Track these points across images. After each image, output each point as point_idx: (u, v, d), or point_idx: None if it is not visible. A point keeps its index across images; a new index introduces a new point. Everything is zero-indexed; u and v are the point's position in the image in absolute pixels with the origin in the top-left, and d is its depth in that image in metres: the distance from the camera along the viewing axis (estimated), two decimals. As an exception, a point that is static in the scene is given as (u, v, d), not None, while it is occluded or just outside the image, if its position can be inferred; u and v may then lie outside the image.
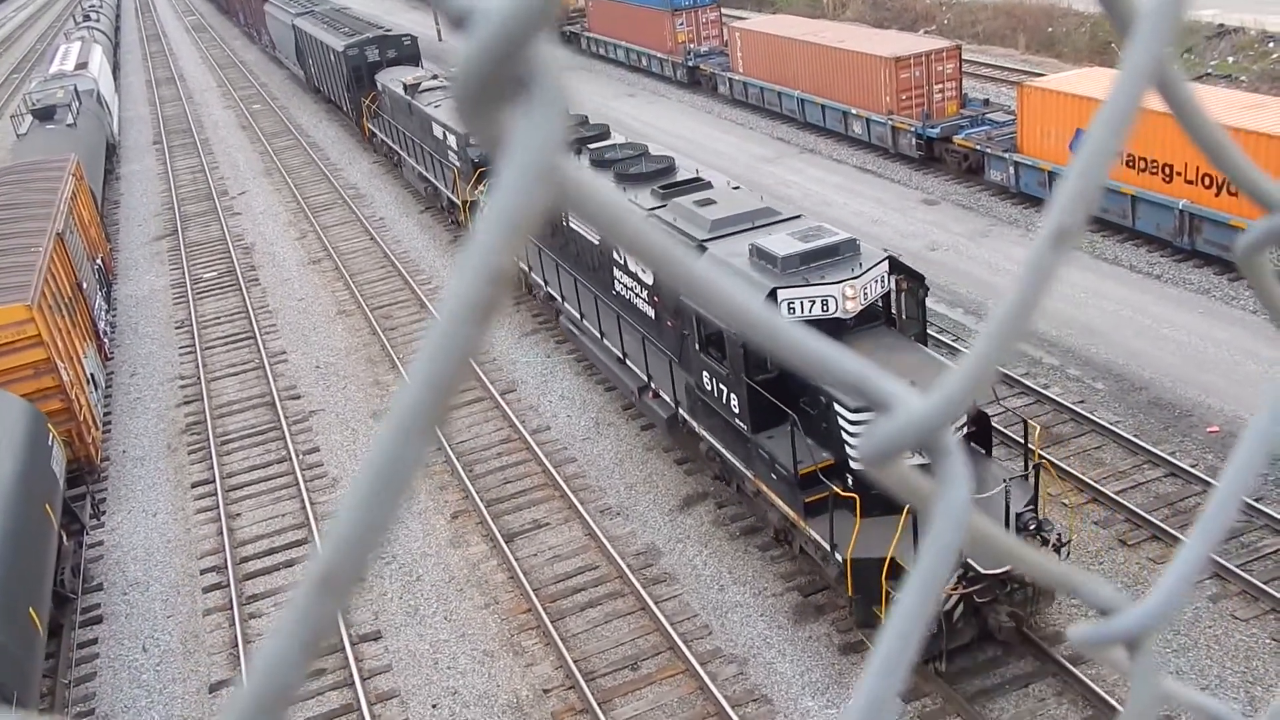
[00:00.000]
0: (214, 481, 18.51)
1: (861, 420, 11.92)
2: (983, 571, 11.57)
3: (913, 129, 28.00)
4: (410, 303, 24.61)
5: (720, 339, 13.78)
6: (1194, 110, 0.86)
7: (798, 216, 15.06)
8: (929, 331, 14.98)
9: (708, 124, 35.73)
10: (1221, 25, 33.57)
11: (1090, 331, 19.30)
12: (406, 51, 35.64)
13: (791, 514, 13.16)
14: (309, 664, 0.53)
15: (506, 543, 15.68)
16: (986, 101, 29.42)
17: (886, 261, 13.60)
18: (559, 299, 20.02)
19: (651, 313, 16.19)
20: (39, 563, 14.02)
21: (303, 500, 17.50)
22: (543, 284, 20.91)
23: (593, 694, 12.79)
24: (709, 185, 16.62)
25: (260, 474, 18.70)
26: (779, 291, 12.74)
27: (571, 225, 18.74)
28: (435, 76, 30.96)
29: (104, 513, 18.18)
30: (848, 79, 29.91)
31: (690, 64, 39.63)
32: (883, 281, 13.51)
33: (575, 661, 13.28)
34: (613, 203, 0.55)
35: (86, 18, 67.87)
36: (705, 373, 14.36)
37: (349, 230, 30.22)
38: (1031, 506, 12.30)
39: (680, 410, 15.68)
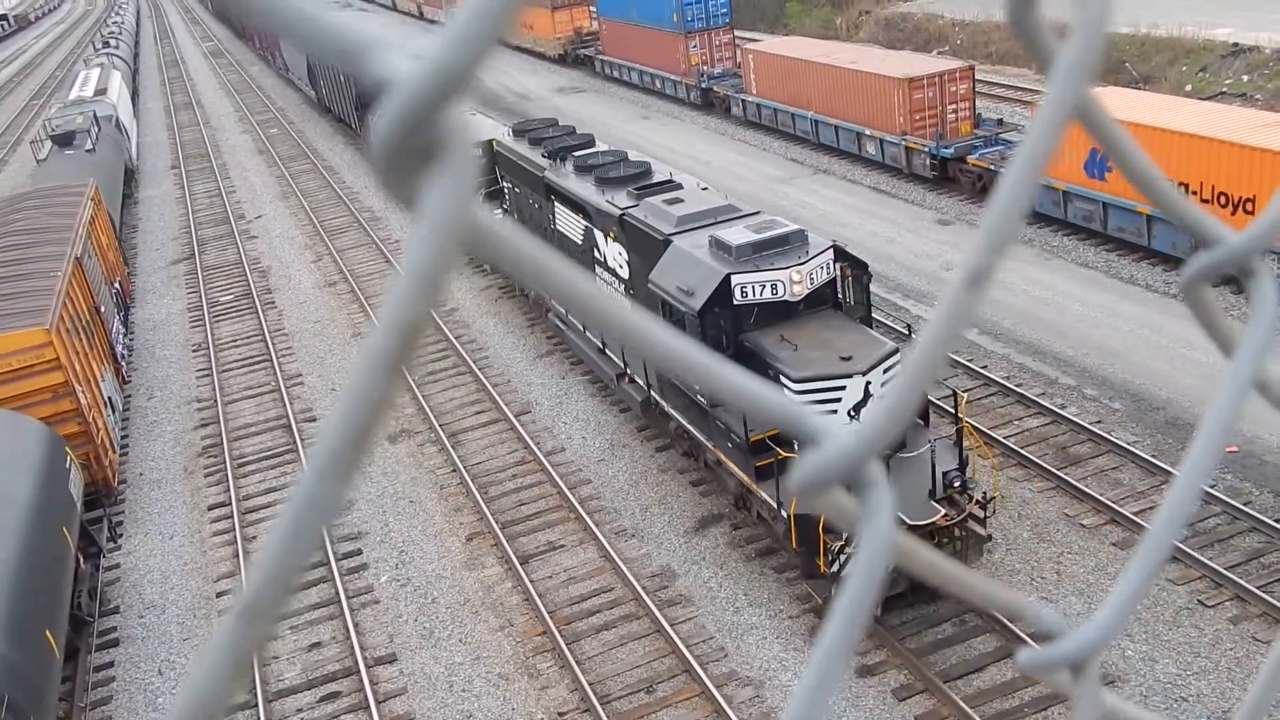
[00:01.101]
0: (230, 504, 18.56)
1: (803, 390, 13.15)
2: (910, 523, 12.56)
3: (927, 149, 28.01)
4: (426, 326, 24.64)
5: (682, 322, 14.53)
6: (1123, 145, 0.89)
7: (756, 213, 16.18)
8: (874, 315, 16.36)
9: (721, 145, 35.83)
10: (1236, 44, 33.53)
11: (1107, 351, 19.21)
12: None
13: (745, 479, 14.36)
14: (234, 690, 0.56)
15: (522, 565, 15.65)
16: (1000, 121, 29.42)
17: (831, 250, 14.90)
18: (548, 297, 20.96)
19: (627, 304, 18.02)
20: (56, 586, 14.07)
21: (318, 523, 17.50)
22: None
23: (608, 717, 12.73)
24: (679, 186, 17.83)
25: (276, 497, 18.74)
26: (732, 277, 14.15)
27: (558, 228, 20.28)
28: None
29: (121, 535, 18.24)
30: (861, 100, 29.97)
31: (703, 86, 39.77)
32: (828, 268, 14.83)
33: (590, 684, 13.23)
34: (530, 250, 0.59)
35: (106, 44, 68.59)
36: None
37: (364, 253, 30.38)
38: (958, 469, 13.38)
39: (652, 393, 17.21)
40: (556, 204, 20.33)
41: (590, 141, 21.87)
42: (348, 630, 14.91)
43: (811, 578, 13.86)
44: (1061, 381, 18.50)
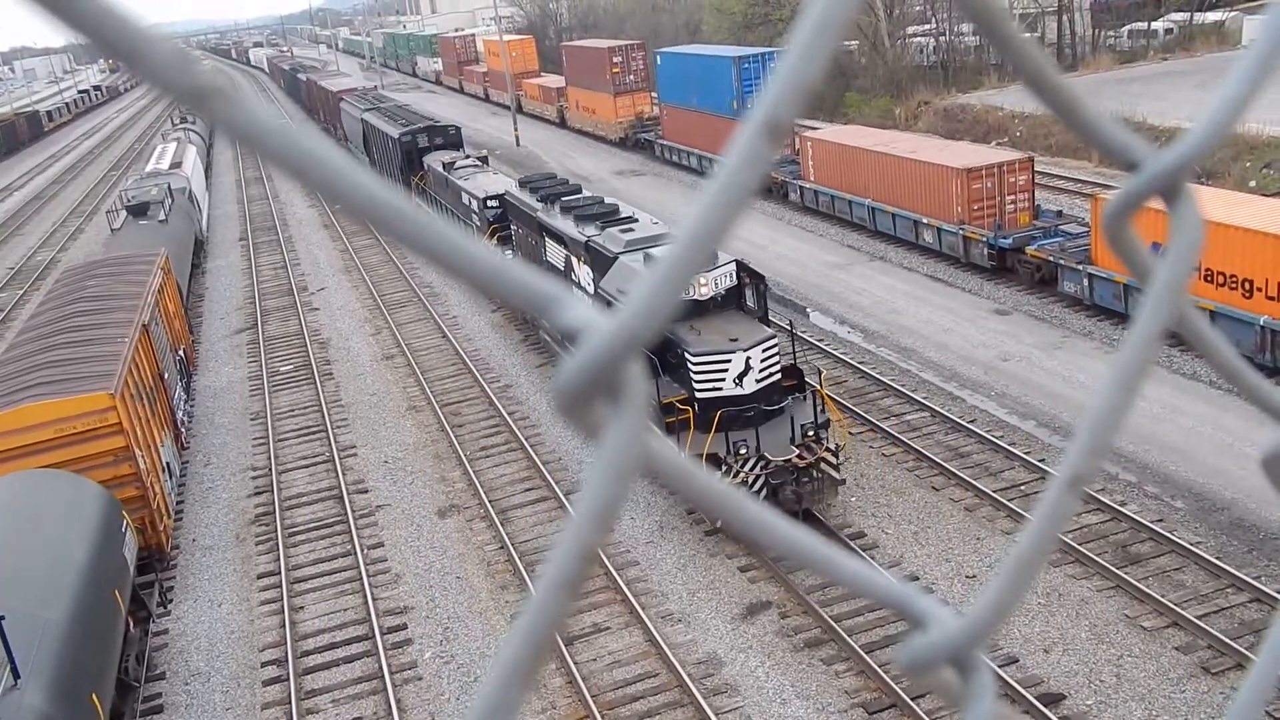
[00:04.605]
0: (279, 574, 18.65)
1: (700, 362, 17.59)
2: (773, 459, 16.83)
3: (985, 239, 27.97)
4: (479, 400, 24.88)
5: None
6: (1031, 59, 0.82)
7: None
8: (770, 316, 20.05)
9: (778, 230, 36.07)
10: (1301, 141, 33.21)
11: (1169, 448, 18.81)
12: (451, 139, 41.52)
13: None
14: None
15: (566, 646, 15.49)
16: (1060, 213, 29.36)
17: (734, 263, 19.06)
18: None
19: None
20: (105, 649, 14.16)
21: (365, 595, 17.52)
22: None
23: (649, 808, 12.43)
24: (635, 220, 22.29)
25: (325, 567, 18.81)
26: None
27: (548, 259, 23.98)
28: (468, 157, 37.47)
29: (171, 601, 18.37)
30: (919, 188, 30.09)
31: (762, 172, 40.13)
32: (731, 276, 18.90)
33: (632, 773, 12.95)
34: (700, 475, 0.67)
35: (183, 119, 71.12)
36: None
37: (422, 327, 30.82)
38: (813, 422, 17.42)
39: None
40: (546, 239, 24.53)
41: (577, 190, 26.49)
42: (389, 706, 14.80)
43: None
44: (1122, 478, 18.12)
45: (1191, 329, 0.96)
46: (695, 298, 18.03)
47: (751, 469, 16.97)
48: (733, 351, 17.57)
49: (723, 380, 17.54)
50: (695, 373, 17.69)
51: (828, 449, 17.36)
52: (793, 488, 17.07)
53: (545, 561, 0.62)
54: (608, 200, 24.64)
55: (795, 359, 19.23)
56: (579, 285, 22.39)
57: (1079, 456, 0.73)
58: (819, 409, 17.74)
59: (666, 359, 18.39)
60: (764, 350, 17.77)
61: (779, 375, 18.23)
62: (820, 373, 19.60)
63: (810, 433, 17.31)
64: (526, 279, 0.57)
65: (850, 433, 20.09)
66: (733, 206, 0.59)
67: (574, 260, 22.60)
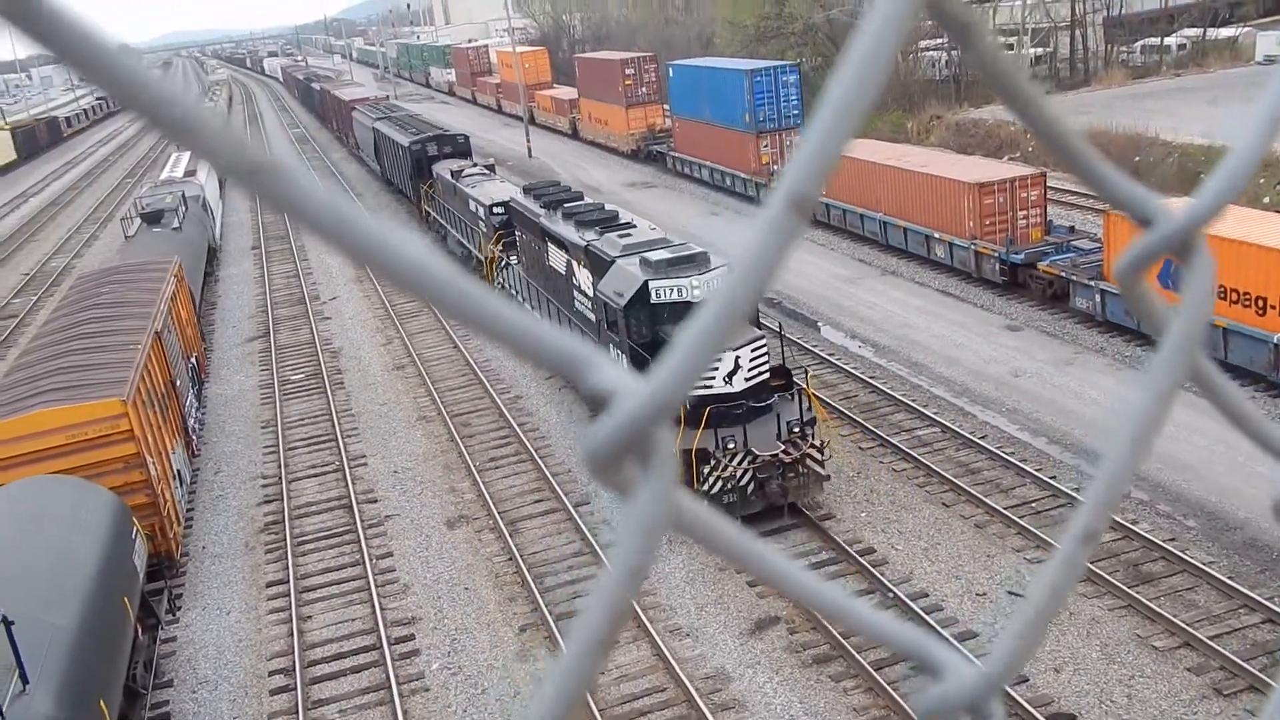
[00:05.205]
0: (288, 582, 18.66)
1: None
2: (760, 454, 17.43)
3: (996, 254, 27.93)
4: (489, 411, 24.90)
5: (614, 316, 19.94)
6: (1039, 108, 0.82)
7: (683, 244, 20.95)
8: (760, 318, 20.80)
9: (789, 244, 36.00)
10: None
11: (1181, 466, 18.72)
12: (460, 147, 41.93)
13: None
14: None
15: (573, 659, 15.44)
16: (1072, 229, 29.30)
17: (725, 267, 18.42)
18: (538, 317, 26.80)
19: (594, 318, 22.02)
20: (113, 655, 14.19)
21: (373, 605, 17.52)
22: (529, 308, 26.71)
23: (655, 823, 12.39)
24: (633, 226, 23.01)
25: (333, 576, 18.82)
26: (650, 283, 19.26)
27: (550, 263, 24.99)
28: (476, 165, 38.33)
29: (179, 608, 18.40)
30: (931, 203, 30.07)
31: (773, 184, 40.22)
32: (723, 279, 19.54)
33: (639, 787, 12.91)
34: (727, 530, 0.68)
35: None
36: (610, 344, 20.21)
37: (433, 338, 30.88)
38: (799, 419, 17.95)
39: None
40: (549, 243, 25.06)
41: (578, 197, 27.38)
42: (396, 717, 14.79)
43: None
44: (1134, 496, 18.03)
45: (1207, 381, 0.97)
46: (689, 300, 19.05)
47: (739, 463, 17.52)
48: (722, 351, 18.51)
49: (713, 377, 17.88)
50: None
51: (813, 445, 18.00)
52: (779, 482, 17.71)
53: (577, 619, 0.62)
54: (608, 207, 25.57)
55: (784, 359, 19.92)
56: (579, 288, 23.25)
57: (1093, 511, 0.73)
58: (805, 407, 18.25)
59: (659, 359, 19.36)
60: (753, 350, 18.35)
61: (767, 374, 18.74)
62: (807, 372, 20.27)
63: (796, 430, 17.88)
64: (559, 341, 0.58)
65: (861, 448, 20.61)
66: (761, 278, 0.60)
67: (574, 264, 23.29)
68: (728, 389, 18.04)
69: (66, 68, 0.50)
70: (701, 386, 18.02)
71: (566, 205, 25.76)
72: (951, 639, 14.70)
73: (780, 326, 21.97)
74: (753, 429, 17.62)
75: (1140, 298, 0.96)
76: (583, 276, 22.73)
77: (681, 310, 19.23)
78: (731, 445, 17.49)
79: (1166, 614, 14.81)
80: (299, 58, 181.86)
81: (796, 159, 0.61)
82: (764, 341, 18.80)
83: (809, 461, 17.96)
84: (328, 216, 0.53)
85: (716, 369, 17.98)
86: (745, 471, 17.55)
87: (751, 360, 18.30)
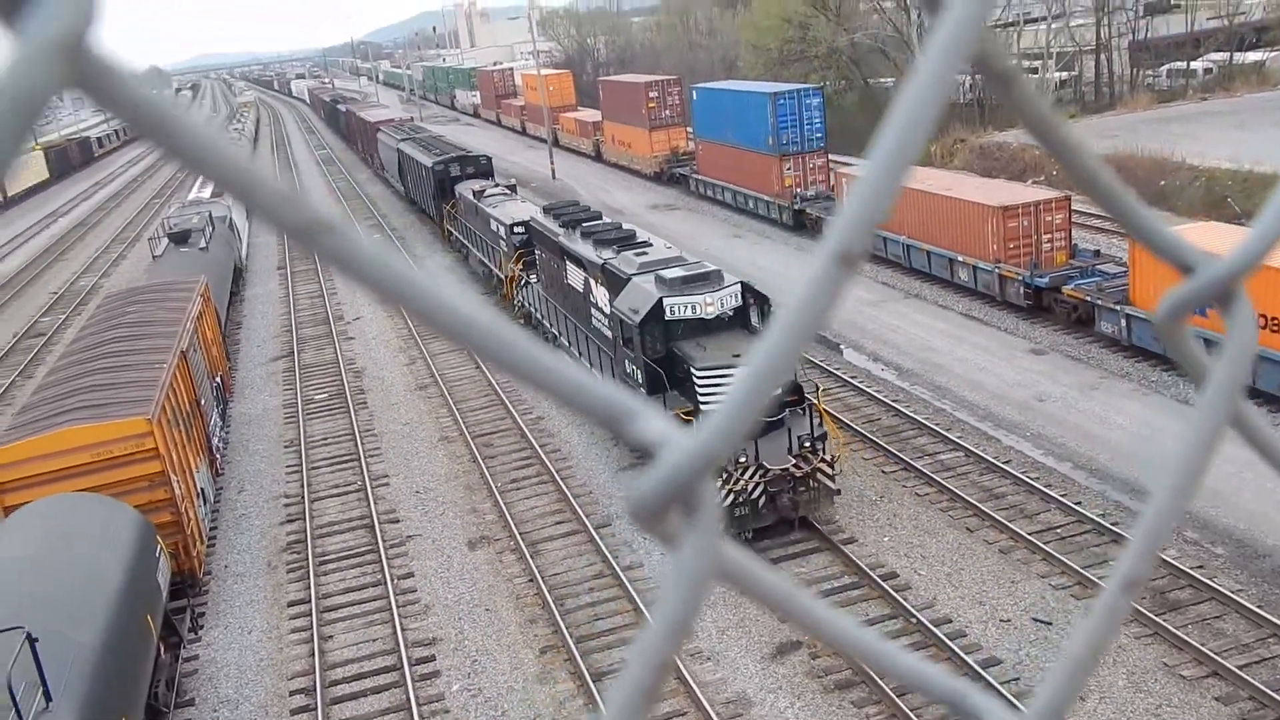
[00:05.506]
0: (310, 602, 18.69)
1: (704, 376, 18.56)
2: (771, 468, 17.69)
3: (1021, 278, 27.81)
4: (511, 432, 24.93)
5: (630, 332, 20.26)
6: (1082, 157, 0.82)
7: (697, 262, 21.45)
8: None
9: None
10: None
11: (1209, 492, 18.51)
12: (482, 168, 42.31)
13: None
14: None
15: (594, 681, 15.41)
16: (1097, 253, 29.15)
17: (739, 285, 20.21)
18: (557, 335, 26.90)
19: (610, 335, 22.29)
20: (136, 673, 14.24)
21: (394, 626, 17.53)
22: (548, 326, 27.73)
23: None
24: (650, 244, 23.51)
25: (355, 597, 18.85)
26: (664, 299, 19.68)
27: (568, 281, 25.44)
28: (498, 185, 38.58)
29: (202, 627, 18.46)
30: (955, 226, 30.00)
31: (796, 207, 40.27)
32: (736, 296, 20.05)
33: (659, 813, 12.82)
34: (771, 580, 0.69)
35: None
36: (626, 360, 20.89)
37: (456, 358, 30.97)
38: (810, 434, 18.13)
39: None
40: (567, 262, 25.44)
41: (596, 216, 27.87)
42: (416, 738, 14.76)
43: None
44: (1160, 522, 17.83)
45: (1249, 429, 0.96)
46: (702, 316, 19.61)
47: (750, 477, 17.74)
48: (734, 366, 18.37)
49: (725, 393, 18.66)
50: (700, 386, 18.75)
51: (824, 460, 18.23)
52: (789, 495, 18.03)
53: (622, 670, 0.62)
54: (625, 226, 26.08)
55: (795, 375, 20.05)
56: (596, 305, 23.65)
57: (1134, 560, 0.73)
58: (816, 422, 18.48)
59: (674, 374, 19.70)
60: None
61: (779, 389, 19.07)
62: (818, 388, 20.82)
63: (807, 444, 18.12)
64: (607, 393, 0.58)
65: (884, 472, 20.68)
66: (806, 331, 0.60)
67: (592, 282, 23.67)
68: None
69: (134, 131, 0.52)
70: (714, 402, 18.26)
71: (585, 224, 26.23)
72: (976, 666, 14.57)
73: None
74: (764, 443, 17.73)
75: (1181, 345, 0.95)
76: (600, 294, 23.09)
77: (695, 326, 19.79)
78: (743, 459, 17.59)
79: (1194, 642, 14.62)
80: (326, 80, 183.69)
81: (845, 213, 0.61)
82: None
83: (820, 475, 18.25)
84: (386, 276, 0.54)
85: (728, 384, 18.38)
86: (757, 485, 17.76)
87: None
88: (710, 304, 19.54)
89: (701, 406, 18.58)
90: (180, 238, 36.88)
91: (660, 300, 19.69)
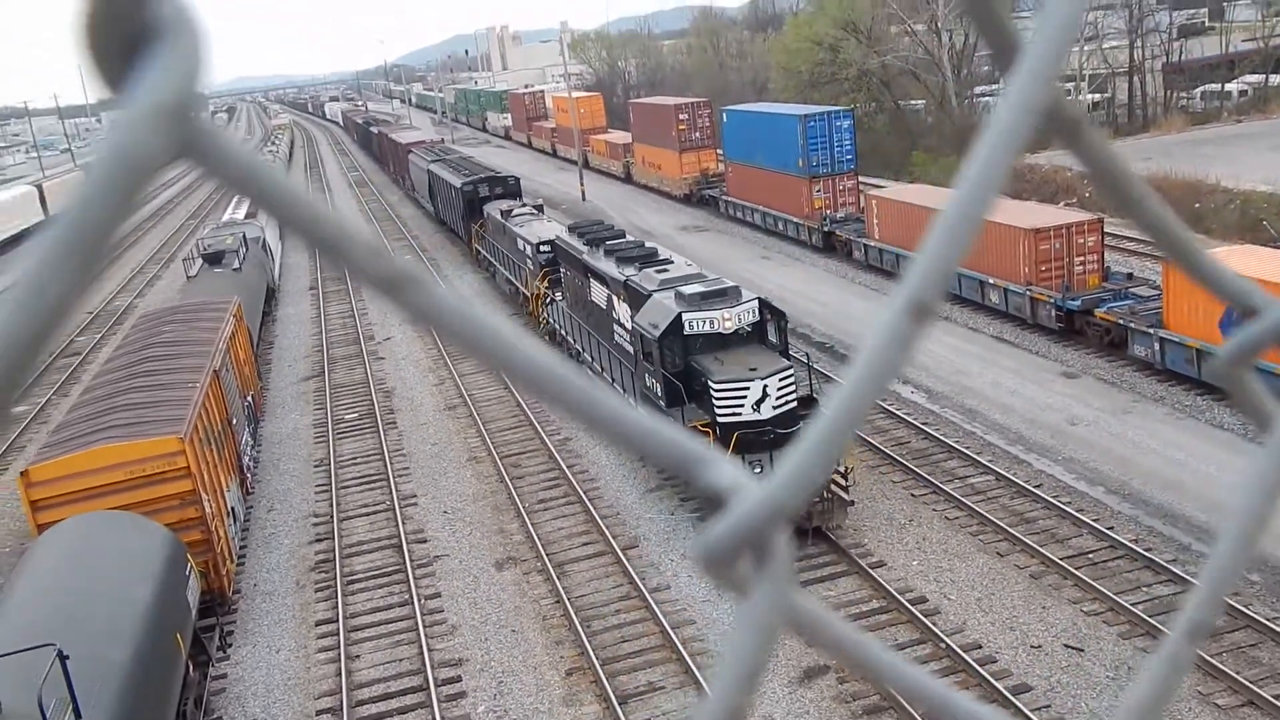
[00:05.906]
0: (337, 621, 18.75)
1: (722, 388, 18.99)
2: None
3: (1052, 300, 27.63)
4: (539, 453, 24.96)
5: (650, 346, 20.71)
6: (1142, 198, 0.81)
7: (717, 278, 21.88)
8: (790, 350, 21.86)
9: (841, 288, 35.96)
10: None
11: (1244, 519, 18.26)
12: (510, 188, 43.23)
13: None
14: None
15: (620, 704, 15.35)
16: (1130, 275, 28.93)
17: (756, 301, 20.72)
18: (580, 350, 27.39)
19: (631, 349, 22.65)
20: (164, 691, 14.32)
21: (421, 646, 17.54)
22: (572, 342, 28.28)
23: None
24: (670, 262, 24.03)
25: (382, 616, 18.89)
26: (683, 315, 20.10)
27: (591, 298, 26.04)
28: (525, 205, 39.25)
29: (230, 645, 18.54)
30: (986, 248, 29.83)
31: (826, 229, 40.23)
32: (754, 312, 20.53)
33: (685, 838, 12.74)
34: (839, 627, 0.69)
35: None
36: (646, 373, 21.32)
37: (485, 379, 31.07)
38: None
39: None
40: (591, 279, 26.05)
41: (620, 234, 28.46)
42: (443, 759, 14.73)
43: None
44: (1194, 549, 17.62)
45: None
46: (720, 331, 20.11)
47: None
48: (751, 380, 19.02)
49: (742, 405, 18.91)
50: (717, 399, 19.17)
51: (838, 471, 18.36)
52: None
53: (690, 713, 0.62)
54: (647, 244, 26.87)
55: (812, 390, 20.53)
56: (618, 321, 24.17)
57: (1199, 607, 0.72)
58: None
59: (692, 387, 20.18)
60: (780, 379, 19.20)
61: (795, 403, 19.44)
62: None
63: None
64: (677, 440, 0.59)
65: (914, 495, 20.80)
66: (879, 384, 0.60)
67: (614, 298, 24.24)
68: (756, 416, 18.91)
69: (237, 193, 0.54)
70: (731, 414, 18.99)
71: (608, 243, 26.92)
72: (1006, 692, 14.41)
73: (808, 358, 22.82)
74: (779, 455, 17.65)
75: (1244, 390, 0.94)
76: (622, 310, 23.57)
77: (713, 341, 20.28)
78: (759, 470, 17.50)
79: (1229, 671, 14.40)
80: (359, 102, 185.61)
81: (917, 267, 0.62)
82: (791, 372, 19.71)
83: (833, 487, 18.54)
84: (466, 326, 0.55)
85: (745, 397, 18.97)
86: None
87: (779, 389, 19.12)
88: (728, 319, 20.03)
89: (718, 418, 18.98)
90: (214, 258, 37.27)
91: (679, 315, 20.15)
